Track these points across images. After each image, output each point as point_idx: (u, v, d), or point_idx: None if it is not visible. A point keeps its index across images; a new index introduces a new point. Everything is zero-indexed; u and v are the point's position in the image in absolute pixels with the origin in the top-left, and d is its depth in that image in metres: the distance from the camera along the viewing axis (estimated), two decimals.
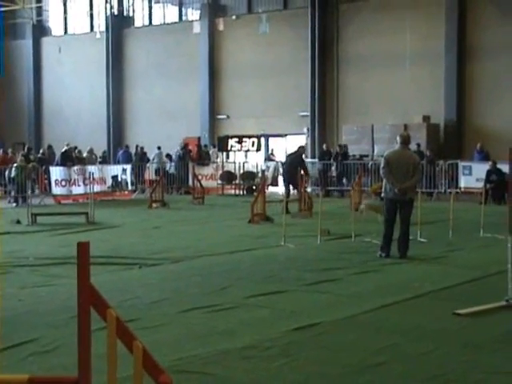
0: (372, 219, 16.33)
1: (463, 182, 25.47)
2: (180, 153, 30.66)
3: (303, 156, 21.85)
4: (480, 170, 24.30)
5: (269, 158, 32.42)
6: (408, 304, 8.49)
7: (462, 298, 8.71)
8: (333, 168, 28.67)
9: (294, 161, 20.85)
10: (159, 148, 30.84)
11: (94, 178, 22.32)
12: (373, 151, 29.53)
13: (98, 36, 39.15)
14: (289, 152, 23.25)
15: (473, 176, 25.09)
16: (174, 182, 29.75)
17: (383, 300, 8.56)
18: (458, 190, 24.03)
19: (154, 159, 30.57)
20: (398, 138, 12.00)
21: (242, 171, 29.66)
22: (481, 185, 22.51)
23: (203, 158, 30.92)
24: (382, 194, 12.10)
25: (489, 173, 23.27)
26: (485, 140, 27.49)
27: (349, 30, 32.39)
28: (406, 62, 30.40)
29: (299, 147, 21.95)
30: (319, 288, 9.37)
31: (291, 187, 21.22)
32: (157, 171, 28.98)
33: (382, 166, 11.90)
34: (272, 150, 33.53)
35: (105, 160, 31.47)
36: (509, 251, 8.30)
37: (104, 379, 3.96)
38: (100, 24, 40.15)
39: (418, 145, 26.70)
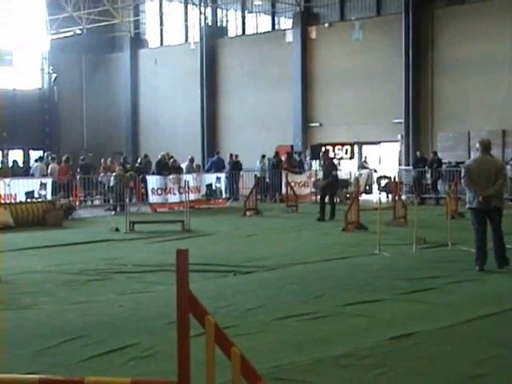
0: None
1: None
2: (273, 161, 30.81)
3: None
4: None
5: (362, 165, 32.17)
6: (508, 315, 8.24)
7: None
8: (427, 175, 28.20)
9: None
10: (263, 156, 31.21)
11: (189, 187, 22.66)
12: (469, 158, 28.85)
13: (192, 47, 39.85)
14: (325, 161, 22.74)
15: None
16: (267, 189, 29.89)
17: (482, 310, 8.35)
18: None
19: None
20: (477, 145, 11.48)
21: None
22: None
23: (294, 166, 30.92)
24: (467, 206, 11.48)
25: None
26: None
27: (444, 35, 31.81)
28: (504, 66, 29.61)
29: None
30: (415, 297, 9.22)
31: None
32: (260, 179, 28.98)
33: (462, 175, 11.41)
34: (365, 158, 33.26)
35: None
36: None
37: None
38: (194, 35, 40.86)
39: None
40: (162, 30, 43.13)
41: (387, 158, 34.03)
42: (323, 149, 28.69)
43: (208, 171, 30.23)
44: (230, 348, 3.99)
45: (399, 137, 33.25)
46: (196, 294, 4.01)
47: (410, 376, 6.01)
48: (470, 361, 6.37)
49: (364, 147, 34.84)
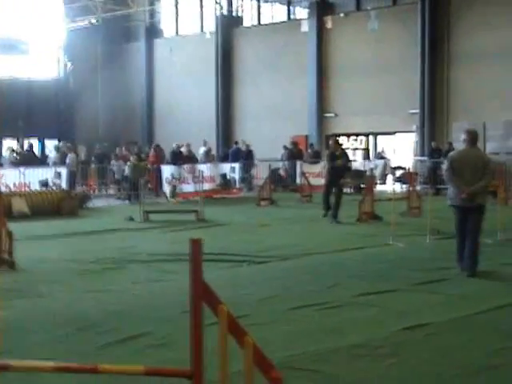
0: None
1: None
2: (290, 150, 30.78)
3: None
4: None
5: (379, 155, 32.02)
6: None
7: None
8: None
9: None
10: (286, 147, 31.29)
11: (203, 177, 22.69)
12: (484, 149, 28.69)
13: (207, 36, 39.79)
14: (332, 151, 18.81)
15: None
16: (282, 180, 29.86)
17: (496, 301, 8.33)
18: None
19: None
20: (463, 136, 10.38)
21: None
22: None
23: (302, 156, 30.80)
24: (448, 202, 10.55)
25: None
26: None
27: (461, 25, 31.58)
28: None
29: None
30: (429, 288, 9.22)
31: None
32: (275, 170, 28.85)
33: (444, 168, 10.44)
34: (383, 148, 33.12)
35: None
36: None
37: (216, 373, 4.04)
38: (210, 24, 40.79)
39: None
40: (177, 20, 43.10)
41: (402, 149, 33.90)
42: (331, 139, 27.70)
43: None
44: (242, 337, 4.01)
45: (414, 127, 33.11)
46: (209, 284, 4.02)
47: (423, 366, 6.02)
48: (483, 351, 6.37)
49: (379, 138, 34.74)
